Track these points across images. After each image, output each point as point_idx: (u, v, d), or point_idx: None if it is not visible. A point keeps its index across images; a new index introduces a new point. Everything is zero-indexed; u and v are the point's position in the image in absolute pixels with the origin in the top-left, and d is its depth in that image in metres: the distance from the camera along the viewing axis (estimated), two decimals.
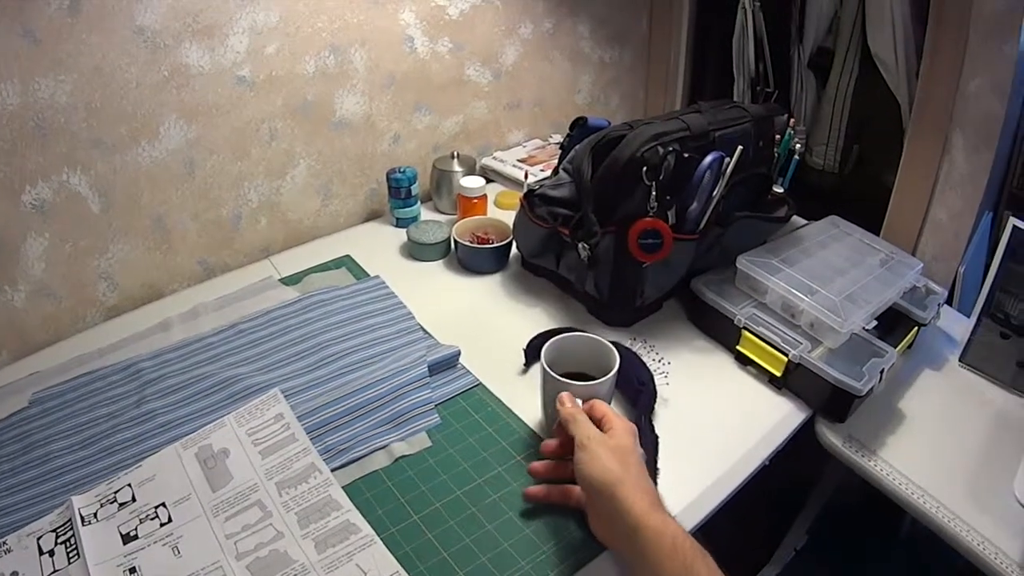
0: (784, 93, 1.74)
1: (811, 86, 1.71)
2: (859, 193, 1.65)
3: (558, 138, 1.84)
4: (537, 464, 0.95)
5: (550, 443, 0.93)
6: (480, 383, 1.12)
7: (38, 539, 0.88)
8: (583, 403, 0.91)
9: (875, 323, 1.15)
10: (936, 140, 1.35)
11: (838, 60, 1.62)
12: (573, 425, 0.86)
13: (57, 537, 0.88)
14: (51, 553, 0.86)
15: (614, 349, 0.98)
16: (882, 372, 1.04)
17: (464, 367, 1.15)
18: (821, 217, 1.39)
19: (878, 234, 1.43)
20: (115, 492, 0.93)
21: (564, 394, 0.92)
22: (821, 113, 1.70)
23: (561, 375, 0.95)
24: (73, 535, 0.87)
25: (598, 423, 0.87)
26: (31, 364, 1.19)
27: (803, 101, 1.72)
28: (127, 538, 0.87)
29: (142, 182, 1.28)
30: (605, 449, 0.82)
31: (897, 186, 1.44)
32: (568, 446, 0.87)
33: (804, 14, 1.64)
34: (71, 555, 0.85)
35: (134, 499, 0.92)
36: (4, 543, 0.87)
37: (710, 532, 0.93)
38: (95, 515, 0.90)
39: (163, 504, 0.91)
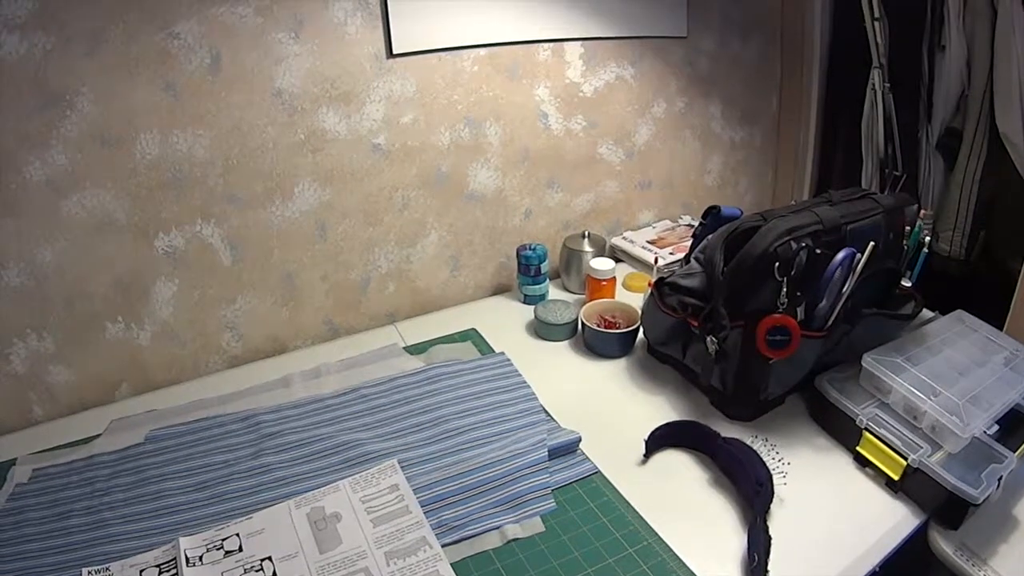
0: (912, 176, 1.68)
1: (939, 169, 1.64)
2: (984, 280, 1.58)
3: (688, 219, 1.81)
4: None
5: None
6: (598, 471, 1.08)
7: (140, 571, 0.88)
8: None
9: (996, 427, 1.09)
10: None
11: (966, 141, 1.55)
12: None
13: (160, 572, 0.88)
14: None
15: None
16: (1000, 479, 1.00)
17: (583, 453, 1.11)
18: (944, 304, 1.36)
19: (1003, 321, 1.39)
20: (223, 539, 0.92)
21: None
22: (948, 197, 1.62)
23: None
24: (176, 574, 0.87)
25: None
26: (150, 401, 1.22)
27: (931, 185, 1.65)
28: None
29: (273, 239, 1.31)
30: None
31: (1023, 275, 1.38)
32: None
33: (932, 93, 1.58)
34: None
35: (241, 548, 0.91)
36: (107, 568, 0.88)
37: None
38: (200, 558, 0.89)
39: (269, 558, 0.90)
